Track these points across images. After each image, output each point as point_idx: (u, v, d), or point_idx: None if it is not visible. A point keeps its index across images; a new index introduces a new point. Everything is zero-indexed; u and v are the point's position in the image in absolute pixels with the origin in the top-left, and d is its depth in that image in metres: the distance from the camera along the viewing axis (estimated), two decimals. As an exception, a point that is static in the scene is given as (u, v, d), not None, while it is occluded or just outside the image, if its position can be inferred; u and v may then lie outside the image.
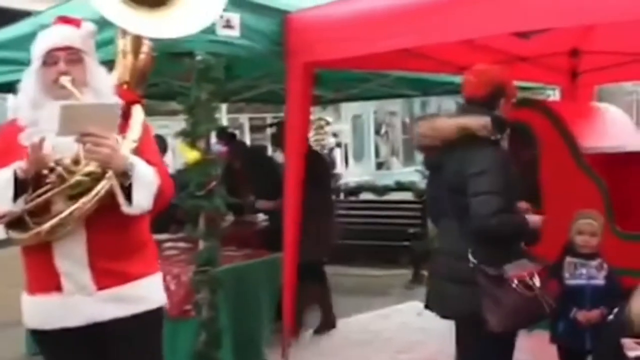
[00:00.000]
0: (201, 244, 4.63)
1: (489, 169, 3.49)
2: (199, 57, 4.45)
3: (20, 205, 2.81)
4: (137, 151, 2.92)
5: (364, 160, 26.36)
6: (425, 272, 7.55)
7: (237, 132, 11.71)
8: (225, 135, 8.14)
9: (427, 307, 3.84)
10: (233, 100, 9.21)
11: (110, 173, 2.81)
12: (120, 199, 2.85)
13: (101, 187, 2.80)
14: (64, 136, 2.76)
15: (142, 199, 2.88)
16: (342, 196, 11.45)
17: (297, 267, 5.15)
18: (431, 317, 3.84)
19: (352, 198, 11.33)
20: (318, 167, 6.40)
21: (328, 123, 18.94)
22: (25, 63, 5.60)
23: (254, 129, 19.31)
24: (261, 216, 7.63)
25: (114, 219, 2.87)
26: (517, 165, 3.74)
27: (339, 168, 19.71)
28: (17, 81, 5.88)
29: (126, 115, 2.97)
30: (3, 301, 7.72)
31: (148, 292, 3.06)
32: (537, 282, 3.50)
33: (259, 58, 4.96)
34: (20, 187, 2.81)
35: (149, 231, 3.14)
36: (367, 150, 26.78)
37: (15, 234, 2.86)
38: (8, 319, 7.25)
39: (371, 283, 9.13)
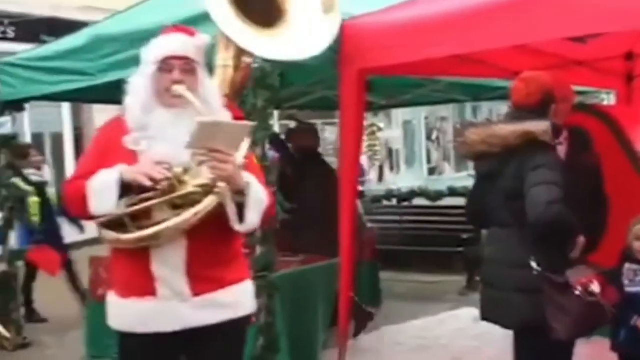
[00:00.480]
0: (258, 250, 4.68)
1: (548, 164, 3.46)
2: (255, 65, 4.50)
3: (121, 208, 2.85)
4: (244, 169, 2.94)
5: (416, 166, 26.28)
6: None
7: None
8: (278, 142, 8.19)
9: (484, 318, 3.81)
10: (286, 107, 9.27)
11: (220, 187, 2.82)
12: (233, 216, 2.88)
13: (211, 201, 2.81)
14: (192, 149, 2.80)
15: (254, 218, 2.93)
16: (394, 202, 11.43)
17: (354, 271, 5.16)
18: (487, 323, 3.82)
19: (405, 204, 11.29)
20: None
21: (380, 129, 18.94)
22: (82, 73, 5.80)
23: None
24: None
25: (216, 230, 2.89)
26: (578, 171, 3.69)
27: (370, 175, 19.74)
28: (73, 90, 6.10)
29: None
30: (65, 304, 7.93)
31: (241, 298, 3.08)
32: (597, 288, 3.47)
33: (313, 65, 4.99)
34: (124, 189, 2.85)
35: (243, 240, 3.19)
36: (418, 155, 26.70)
37: (111, 235, 2.89)
38: (69, 321, 7.45)
39: (425, 289, 9.09)
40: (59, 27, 11.61)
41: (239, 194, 2.88)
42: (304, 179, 6.88)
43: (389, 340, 6.74)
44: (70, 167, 15.10)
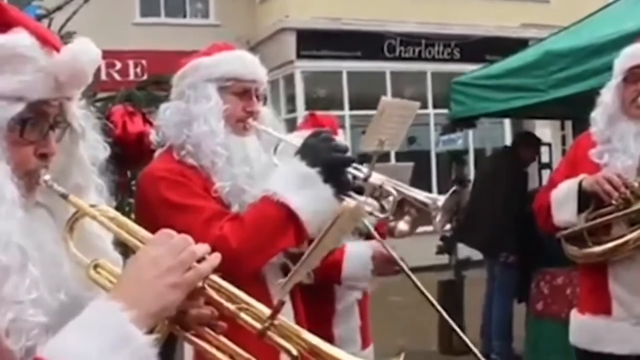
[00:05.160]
0: None
1: None
2: None
3: (581, 221, 2.89)
4: None
5: None
6: None
7: None
8: None
9: None
10: None
11: None
12: None
13: None
14: None
15: None
16: None
17: None
18: None
19: None
20: None
21: None
22: (532, 89, 5.88)
23: None
24: None
25: None
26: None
27: None
28: (520, 107, 6.20)
29: None
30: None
31: None
32: None
33: None
34: (584, 201, 2.89)
35: None
36: None
37: (572, 249, 2.96)
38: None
39: None
40: (501, 46, 11.93)
41: None
42: None
43: None
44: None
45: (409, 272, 2.49)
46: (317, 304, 2.61)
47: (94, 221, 1.34)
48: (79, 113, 1.41)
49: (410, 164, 3.29)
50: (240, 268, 1.91)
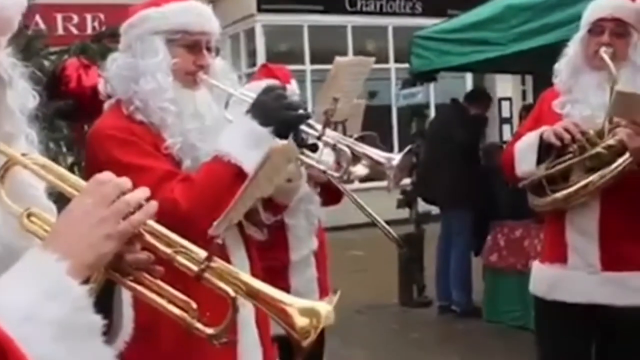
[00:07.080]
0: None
1: None
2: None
3: (541, 170, 2.92)
4: None
5: None
6: None
7: None
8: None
9: None
10: None
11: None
12: None
13: (621, 162, 2.73)
14: (614, 116, 2.76)
15: None
16: None
17: None
18: None
19: None
20: None
21: None
22: (492, 43, 5.89)
23: None
24: None
25: (630, 198, 2.81)
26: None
27: None
28: (481, 61, 6.21)
29: None
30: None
31: None
32: None
33: None
34: (545, 152, 2.91)
35: None
36: None
37: (535, 199, 2.99)
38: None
39: None
40: (467, 0, 11.89)
41: None
42: None
43: None
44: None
45: (377, 218, 2.49)
46: (272, 255, 2.60)
47: (26, 170, 1.30)
48: (6, 61, 1.35)
49: (363, 101, 3.28)
50: (192, 230, 1.88)
